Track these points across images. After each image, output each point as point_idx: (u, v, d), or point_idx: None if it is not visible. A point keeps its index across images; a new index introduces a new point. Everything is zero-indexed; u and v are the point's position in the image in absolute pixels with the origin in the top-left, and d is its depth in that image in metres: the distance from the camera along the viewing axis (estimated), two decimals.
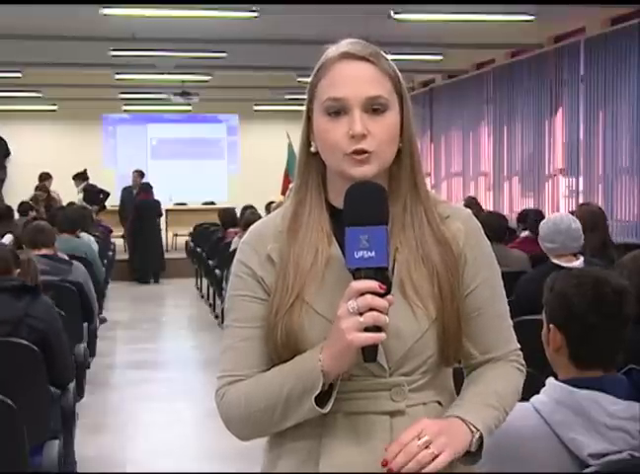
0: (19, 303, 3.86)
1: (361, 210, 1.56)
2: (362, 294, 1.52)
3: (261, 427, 1.67)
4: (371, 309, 1.51)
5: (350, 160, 1.61)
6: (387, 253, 1.55)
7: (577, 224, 4.81)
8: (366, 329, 1.51)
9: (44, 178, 14.75)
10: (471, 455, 1.61)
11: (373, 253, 1.53)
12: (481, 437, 1.60)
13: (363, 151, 1.60)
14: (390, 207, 1.62)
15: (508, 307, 1.77)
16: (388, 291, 1.55)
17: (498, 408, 1.67)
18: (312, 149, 1.69)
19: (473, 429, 1.60)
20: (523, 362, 1.78)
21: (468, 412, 1.62)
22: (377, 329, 1.52)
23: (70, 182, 15.12)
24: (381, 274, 1.54)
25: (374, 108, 1.61)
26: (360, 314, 1.51)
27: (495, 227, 6.02)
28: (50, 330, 3.93)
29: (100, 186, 15.25)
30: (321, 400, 1.58)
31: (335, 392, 1.59)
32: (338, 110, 1.62)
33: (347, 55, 1.63)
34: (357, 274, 1.55)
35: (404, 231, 1.67)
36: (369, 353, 1.55)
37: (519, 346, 1.78)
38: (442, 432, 1.55)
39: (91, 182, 15.30)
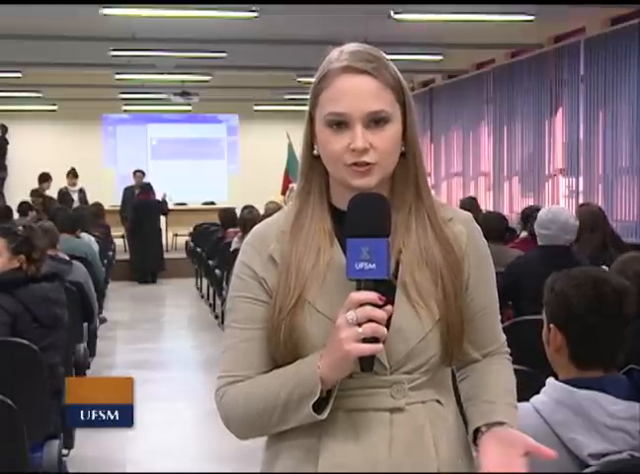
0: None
1: (364, 222, 1.58)
2: (362, 305, 1.54)
3: (259, 427, 1.68)
4: (370, 320, 1.53)
5: (351, 171, 1.63)
6: (388, 265, 1.56)
7: (574, 221, 5.01)
8: (364, 339, 1.53)
9: (43, 179, 14.61)
10: None
11: (374, 265, 1.55)
12: None
13: (365, 163, 1.62)
14: (393, 211, 1.64)
15: (498, 302, 1.81)
16: (389, 300, 1.57)
17: (516, 406, 1.73)
18: (315, 152, 1.70)
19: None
20: (509, 350, 1.83)
21: (507, 417, 1.67)
22: (375, 340, 1.54)
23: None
24: (381, 285, 1.56)
25: (376, 121, 1.62)
26: (359, 325, 1.53)
27: (494, 227, 6.03)
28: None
29: (100, 186, 15.23)
30: (319, 405, 1.59)
31: (332, 399, 1.61)
32: (340, 123, 1.63)
33: (348, 69, 1.63)
34: (357, 284, 1.57)
35: (408, 234, 1.69)
36: (366, 363, 1.57)
37: (505, 336, 1.83)
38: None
39: (90, 182, 15.28)
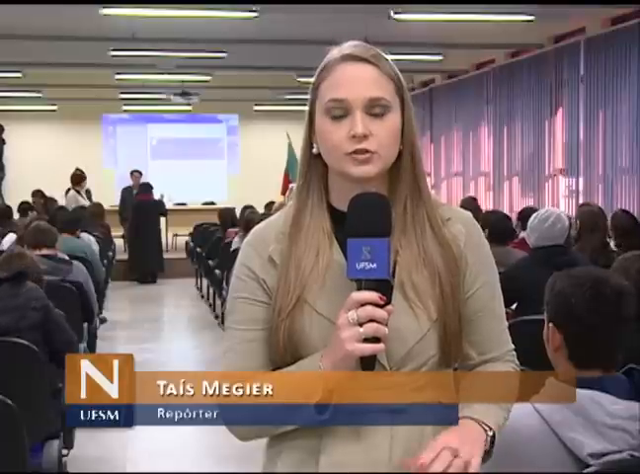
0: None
1: (364, 222, 1.58)
2: (363, 305, 1.54)
3: (260, 429, 1.67)
4: (371, 320, 1.53)
5: (351, 160, 1.62)
6: (389, 265, 1.56)
7: (562, 224, 4.92)
8: (366, 339, 1.53)
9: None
10: (485, 454, 1.62)
11: (375, 264, 1.55)
12: (494, 435, 1.62)
13: (365, 150, 1.61)
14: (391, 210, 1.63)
15: (504, 308, 1.79)
16: (389, 300, 1.57)
17: (503, 408, 1.69)
18: (314, 151, 1.69)
19: (486, 427, 1.62)
20: (518, 362, 1.80)
21: (480, 412, 1.64)
22: (376, 339, 1.54)
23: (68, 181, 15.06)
24: (382, 285, 1.56)
25: (376, 109, 1.62)
26: (360, 325, 1.53)
27: (499, 228, 6.02)
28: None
29: (100, 186, 15.23)
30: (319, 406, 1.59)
31: (334, 399, 1.60)
32: (340, 111, 1.62)
33: (349, 57, 1.64)
34: (358, 284, 1.57)
35: (405, 233, 1.68)
36: (368, 362, 1.58)
37: (513, 346, 1.80)
38: (464, 441, 1.56)
39: (90, 182, 15.28)
